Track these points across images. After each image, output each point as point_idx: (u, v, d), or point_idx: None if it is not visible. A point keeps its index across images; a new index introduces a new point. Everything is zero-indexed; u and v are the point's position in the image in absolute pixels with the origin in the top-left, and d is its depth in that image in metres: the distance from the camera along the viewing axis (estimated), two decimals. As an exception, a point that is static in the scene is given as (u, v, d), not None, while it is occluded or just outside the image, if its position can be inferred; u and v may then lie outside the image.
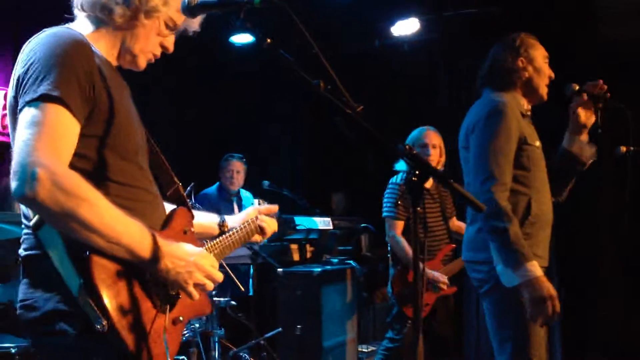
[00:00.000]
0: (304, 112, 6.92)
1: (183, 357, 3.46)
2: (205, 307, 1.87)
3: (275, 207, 2.29)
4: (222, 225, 2.15)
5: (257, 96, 6.52)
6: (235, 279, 4.09)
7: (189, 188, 4.20)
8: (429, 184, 4.15)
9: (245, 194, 5.53)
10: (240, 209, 5.37)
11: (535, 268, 2.57)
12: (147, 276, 1.62)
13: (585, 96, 2.81)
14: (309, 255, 5.23)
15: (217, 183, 5.49)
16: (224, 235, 2.04)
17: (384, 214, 4.18)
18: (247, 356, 4.05)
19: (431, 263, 4.06)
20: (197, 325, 3.59)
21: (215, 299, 3.76)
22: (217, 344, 3.73)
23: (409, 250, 3.96)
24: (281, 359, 4.32)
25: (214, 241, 1.98)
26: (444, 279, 4.03)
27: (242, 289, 4.17)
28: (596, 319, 5.05)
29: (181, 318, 1.72)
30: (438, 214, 4.17)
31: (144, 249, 1.56)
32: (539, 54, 2.89)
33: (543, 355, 2.71)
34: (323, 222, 5.09)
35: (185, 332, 3.56)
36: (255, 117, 6.64)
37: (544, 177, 2.82)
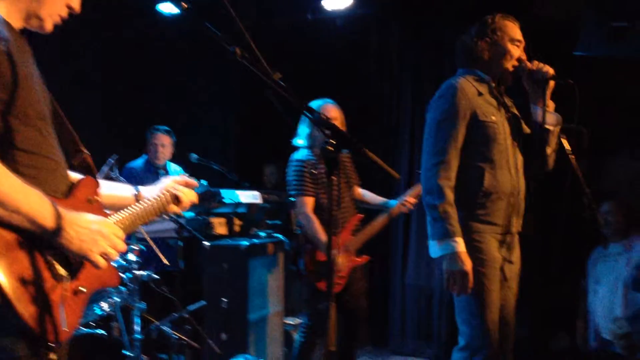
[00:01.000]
0: (234, 84, 6.82)
1: (103, 331, 3.38)
2: (111, 278, 1.82)
3: (194, 182, 2.23)
4: (136, 195, 2.09)
5: (186, 68, 6.39)
6: (159, 253, 4.05)
7: (111, 161, 4.09)
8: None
9: (173, 168, 5.43)
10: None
11: (458, 245, 2.79)
12: (47, 245, 1.56)
13: (525, 72, 2.98)
14: (237, 229, 5.19)
15: (144, 156, 5.37)
16: (135, 206, 1.98)
17: (291, 192, 4.09)
18: (170, 330, 4.00)
19: (341, 235, 4.04)
20: (118, 299, 3.52)
21: (136, 272, 3.69)
22: (138, 317, 3.67)
23: (319, 229, 3.93)
24: (206, 333, 4.28)
25: (124, 212, 1.92)
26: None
27: (167, 263, 4.12)
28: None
29: (83, 289, 1.67)
30: (343, 185, 4.12)
31: (45, 218, 1.52)
32: (507, 36, 3.01)
33: (496, 324, 2.90)
34: (252, 196, 5.04)
35: (104, 306, 3.49)
36: (185, 89, 6.50)
37: (504, 150, 2.96)
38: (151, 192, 2.11)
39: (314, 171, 3.97)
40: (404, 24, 5.96)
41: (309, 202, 4.02)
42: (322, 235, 3.92)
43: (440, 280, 5.59)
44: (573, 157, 3.05)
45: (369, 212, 4.36)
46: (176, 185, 2.15)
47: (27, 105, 1.62)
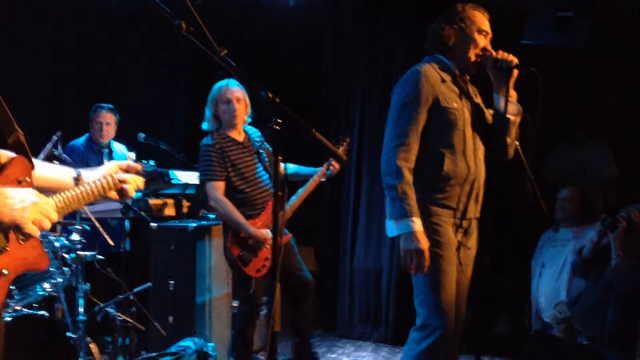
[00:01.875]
0: (184, 63, 6.72)
1: (45, 312, 3.31)
2: (40, 261, 1.77)
3: (137, 166, 2.15)
4: (77, 179, 2.02)
5: (135, 45, 6.26)
6: (104, 233, 3.98)
7: (55, 138, 3.99)
8: (240, 136, 4.10)
9: (117, 147, 5.31)
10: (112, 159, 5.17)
11: (415, 224, 2.86)
12: None
13: (489, 60, 3.02)
14: (185, 210, 5.13)
15: (86, 134, 5.23)
16: (72, 189, 1.91)
17: (202, 178, 4.04)
18: (114, 311, 3.94)
19: (262, 217, 4.01)
20: (61, 279, 3.45)
21: (80, 252, 3.62)
22: (81, 299, 3.60)
23: (234, 211, 3.90)
24: (153, 315, 4.24)
25: (60, 195, 1.85)
26: (270, 235, 3.91)
27: (112, 243, 4.05)
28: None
29: (5, 271, 1.63)
30: (255, 166, 4.08)
31: None
32: (474, 26, 3.05)
33: (452, 305, 2.95)
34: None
35: (47, 287, 3.41)
36: (133, 67, 6.37)
37: (464, 137, 3.01)
38: (93, 176, 2.04)
39: (233, 153, 3.97)
40: (357, 5, 5.96)
41: (220, 186, 3.96)
42: (239, 217, 3.90)
43: (389, 264, 5.66)
44: (518, 143, 3.14)
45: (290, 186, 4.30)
46: (120, 173, 2.07)
47: None
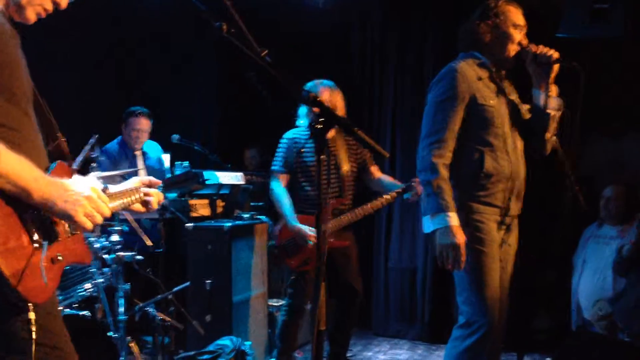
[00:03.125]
0: (217, 64, 6.76)
1: (86, 312, 3.36)
2: (85, 255, 1.88)
3: (158, 182, 2.26)
4: (103, 191, 2.09)
5: (167, 47, 6.31)
6: (142, 234, 4.03)
7: (92, 140, 4.03)
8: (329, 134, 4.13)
9: (150, 147, 5.32)
10: (145, 162, 5.21)
11: (451, 219, 2.85)
12: (26, 209, 1.59)
13: (530, 55, 2.99)
14: (220, 210, 5.16)
15: (119, 137, 5.24)
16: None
17: (271, 167, 4.22)
18: (154, 311, 3.99)
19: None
20: (101, 280, 3.49)
21: (120, 253, 3.66)
22: (122, 299, 3.65)
23: (282, 202, 4.04)
24: (190, 314, 4.27)
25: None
26: (311, 232, 3.94)
27: (150, 243, 4.10)
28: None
29: (60, 257, 1.71)
30: (330, 166, 4.06)
31: (26, 179, 1.55)
32: (509, 21, 3.03)
33: (496, 302, 2.94)
34: (235, 177, 5.02)
35: (88, 287, 3.46)
36: (166, 69, 6.43)
37: (503, 133, 3.00)
38: (118, 190, 2.13)
39: (302, 149, 4.02)
40: (387, 6, 5.94)
41: (277, 177, 4.13)
42: (286, 209, 4.03)
43: (423, 263, 5.63)
44: (555, 139, 3.10)
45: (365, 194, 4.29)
46: (143, 188, 2.18)
47: (12, 83, 1.64)
